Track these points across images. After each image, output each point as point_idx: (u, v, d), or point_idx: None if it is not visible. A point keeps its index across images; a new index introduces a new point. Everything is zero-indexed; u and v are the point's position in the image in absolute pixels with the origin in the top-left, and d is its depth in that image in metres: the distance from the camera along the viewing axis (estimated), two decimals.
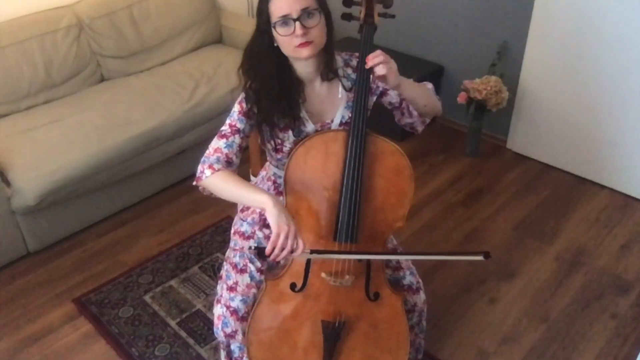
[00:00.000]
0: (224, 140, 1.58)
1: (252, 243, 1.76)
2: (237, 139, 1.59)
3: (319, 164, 1.55)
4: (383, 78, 1.52)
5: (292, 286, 1.58)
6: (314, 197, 1.56)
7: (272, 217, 1.42)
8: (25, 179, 2.48)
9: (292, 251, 1.41)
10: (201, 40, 3.54)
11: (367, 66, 1.50)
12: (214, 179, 1.53)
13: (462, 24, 3.31)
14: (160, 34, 3.33)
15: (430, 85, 1.75)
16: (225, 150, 1.57)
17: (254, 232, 1.76)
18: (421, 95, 1.66)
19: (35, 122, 2.79)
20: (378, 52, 1.50)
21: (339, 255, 1.54)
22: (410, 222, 2.82)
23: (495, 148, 3.40)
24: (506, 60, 3.16)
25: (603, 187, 3.05)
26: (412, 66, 3.50)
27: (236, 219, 1.85)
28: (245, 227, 1.78)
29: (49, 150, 2.60)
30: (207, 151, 1.59)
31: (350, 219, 1.51)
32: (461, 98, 3.14)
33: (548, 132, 3.16)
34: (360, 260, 1.55)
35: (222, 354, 1.77)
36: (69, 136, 2.69)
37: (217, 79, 3.16)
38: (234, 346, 1.70)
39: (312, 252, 1.50)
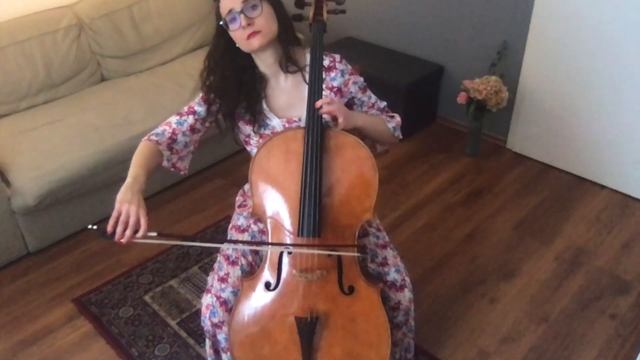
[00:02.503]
0: (178, 117, 1.69)
1: (245, 236, 1.77)
2: (190, 119, 1.68)
3: (280, 163, 1.58)
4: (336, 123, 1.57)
5: (267, 285, 1.59)
6: (280, 196, 1.58)
7: (119, 194, 1.44)
8: (25, 179, 2.48)
9: (135, 231, 1.40)
10: (201, 40, 3.54)
11: (319, 112, 1.53)
12: (139, 146, 1.61)
13: (462, 24, 3.31)
14: (160, 34, 3.33)
15: (394, 123, 1.77)
16: (174, 126, 1.67)
17: (249, 226, 1.79)
18: (376, 131, 1.71)
19: (35, 122, 2.79)
20: (327, 102, 1.52)
21: (196, 243, 1.55)
22: (410, 222, 2.82)
23: (495, 148, 3.40)
24: (506, 60, 3.16)
25: (603, 187, 3.05)
26: (412, 66, 3.50)
27: (234, 215, 1.88)
28: (241, 221, 1.82)
29: (49, 150, 2.60)
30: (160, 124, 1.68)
31: (311, 214, 1.52)
32: (461, 98, 3.14)
33: (548, 132, 3.16)
34: (329, 255, 1.56)
35: (207, 343, 1.78)
36: (69, 136, 2.69)
37: None
38: (221, 337, 1.70)
39: (155, 235, 1.44)
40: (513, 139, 3.34)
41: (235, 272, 1.69)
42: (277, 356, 1.62)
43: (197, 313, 2.34)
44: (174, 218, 2.90)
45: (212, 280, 1.72)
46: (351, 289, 1.59)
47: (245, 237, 1.77)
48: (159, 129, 1.66)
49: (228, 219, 2.80)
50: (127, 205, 1.40)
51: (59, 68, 2.99)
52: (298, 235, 1.54)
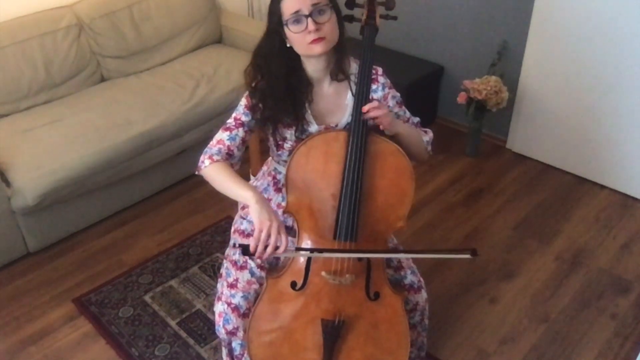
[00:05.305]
0: (228, 132, 1.62)
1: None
2: (240, 132, 1.63)
3: (320, 163, 1.56)
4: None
5: (293, 285, 1.59)
6: (315, 196, 1.57)
7: (254, 213, 1.44)
8: (25, 179, 2.48)
9: (276, 247, 1.42)
10: (201, 40, 3.54)
11: (364, 116, 1.52)
12: (210, 170, 1.57)
13: (462, 24, 3.31)
14: (160, 34, 3.33)
15: (428, 137, 1.77)
16: (228, 143, 1.61)
17: (253, 230, 1.76)
18: (411, 143, 1.69)
19: (35, 122, 2.79)
20: (376, 107, 1.52)
21: (331, 254, 1.55)
22: (411, 221, 2.82)
23: (495, 148, 3.40)
24: (506, 60, 3.16)
25: (603, 187, 3.05)
26: (412, 66, 3.51)
27: (237, 217, 1.86)
28: (245, 225, 1.79)
29: (49, 150, 2.60)
30: (211, 142, 1.63)
31: (350, 218, 1.52)
32: (461, 98, 3.14)
33: (548, 132, 3.16)
34: (360, 260, 1.56)
35: (224, 351, 1.78)
36: (69, 136, 2.69)
37: (217, 79, 3.16)
38: (235, 344, 1.70)
39: (297, 249, 1.55)
40: (513, 139, 3.34)
41: (244, 277, 1.69)
42: (296, 356, 1.62)
43: (197, 313, 2.35)
44: (174, 218, 2.90)
45: (221, 287, 1.71)
46: (376, 295, 1.59)
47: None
48: (214, 149, 1.60)
49: (228, 219, 2.82)
50: (268, 224, 1.41)
51: (59, 68, 2.98)
52: (335, 238, 1.53)
